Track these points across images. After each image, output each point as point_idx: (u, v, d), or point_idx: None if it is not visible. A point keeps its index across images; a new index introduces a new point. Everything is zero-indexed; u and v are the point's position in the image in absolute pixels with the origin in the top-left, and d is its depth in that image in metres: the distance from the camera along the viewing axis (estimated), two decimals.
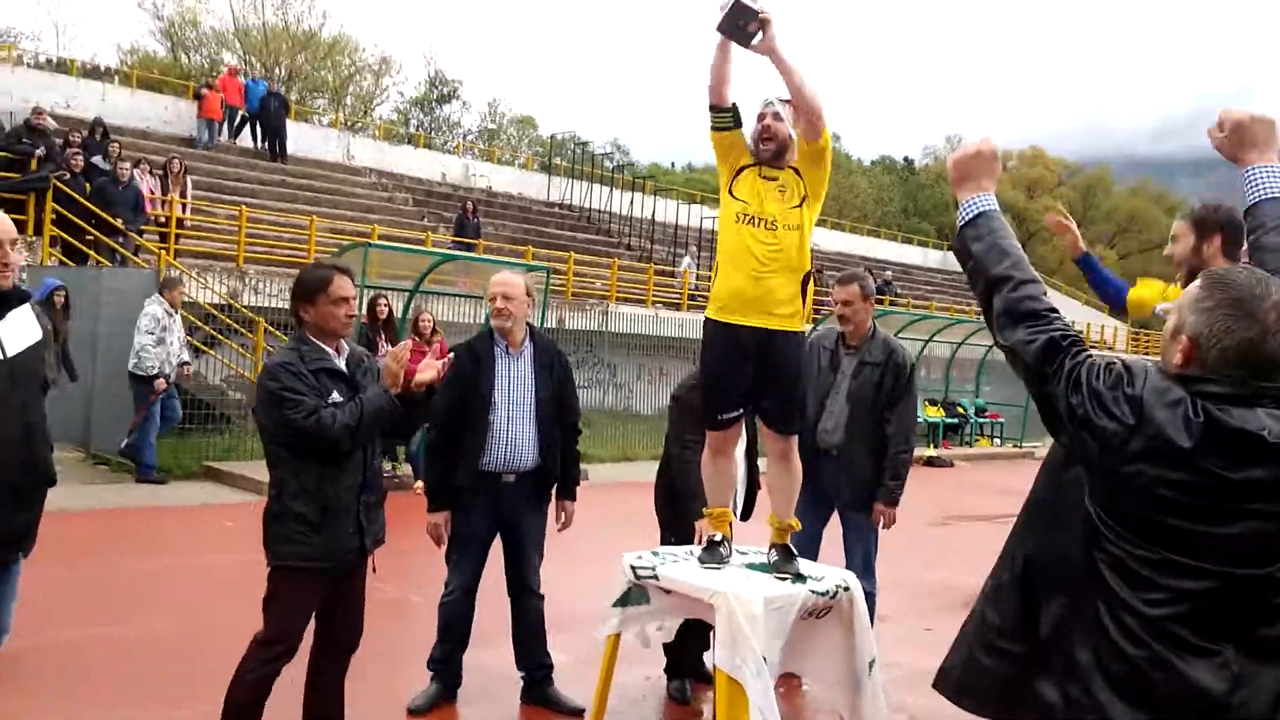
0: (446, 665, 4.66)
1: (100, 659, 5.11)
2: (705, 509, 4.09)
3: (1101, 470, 1.93)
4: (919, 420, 19.38)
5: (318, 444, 3.47)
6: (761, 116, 3.80)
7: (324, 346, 3.64)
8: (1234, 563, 1.86)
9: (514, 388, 4.47)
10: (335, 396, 3.55)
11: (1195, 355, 1.94)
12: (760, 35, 3.57)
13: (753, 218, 3.72)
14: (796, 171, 3.82)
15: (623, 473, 12.66)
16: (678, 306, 22.63)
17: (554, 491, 4.72)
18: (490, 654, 5.30)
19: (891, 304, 25.88)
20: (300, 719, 3.83)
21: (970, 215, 2.21)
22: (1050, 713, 2.03)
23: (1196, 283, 2.01)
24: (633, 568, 3.97)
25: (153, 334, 9.85)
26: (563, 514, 4.75)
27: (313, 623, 3.72)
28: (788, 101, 3.77)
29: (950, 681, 2.31)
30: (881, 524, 5.19)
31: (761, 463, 4.49)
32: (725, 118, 3.79)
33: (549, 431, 4.51)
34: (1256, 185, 2.32)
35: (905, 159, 64.32)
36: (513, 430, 4.45)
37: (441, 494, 4.53)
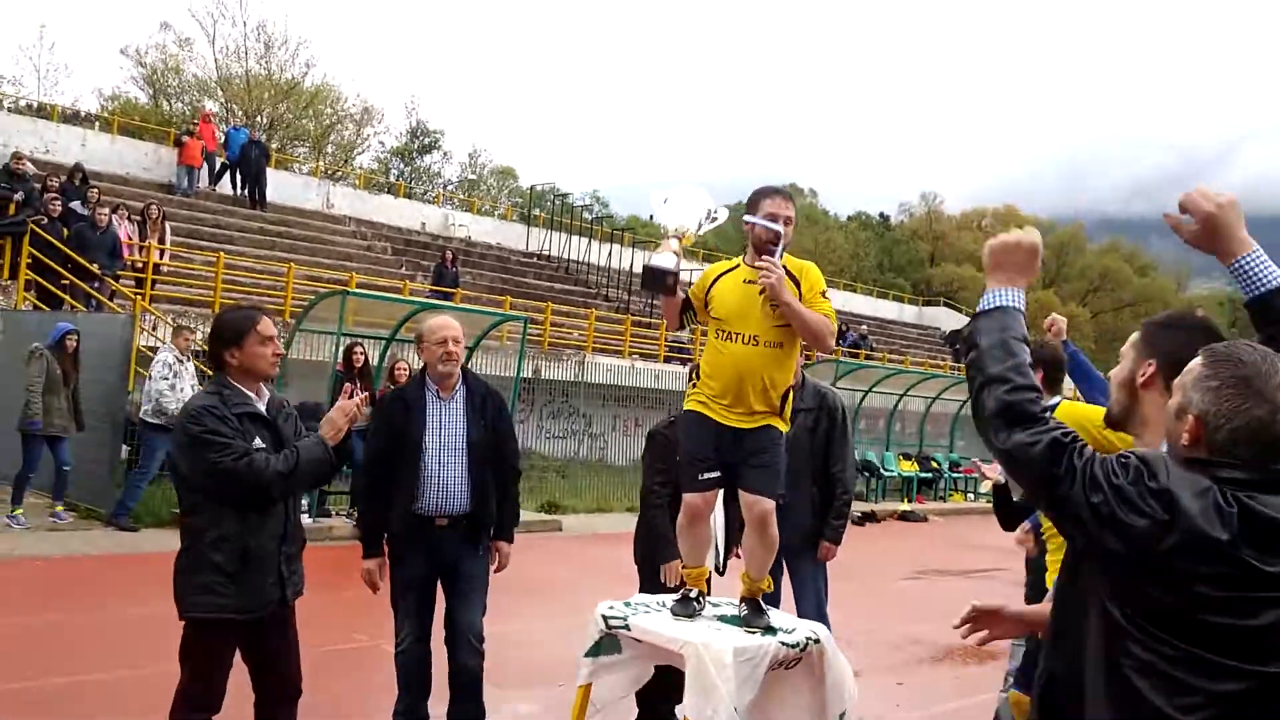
0: (408, 716, 4.58)
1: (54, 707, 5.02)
2: (684, 567, 4.10)
3: (1130, 568, 1.83)
4: (894, 474, 19.68)
5: (245, 488, 3.39)
6: (774, 217, 3.74)
7: (246, 391, 3.58)
8: (1265, 659, 1.77)
9: (445, 431, 4.40)
10: (257, 442, 3.49)
11: (1203, 434, 1.88)
12: (678, 281, 3.75)
13: (730, 333, 3.75)
14: (795, 280, 3.74)
15: (597, 524, 12.63)
16: (654, 358, 22.71)
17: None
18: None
19: (867, 358, 26.08)
20: None
21: (989, 306, 2.13)
22: None
23: (1199, 360, 1.94)
24: (604, 617, 3.97)
25: (166, 379, 9.92)
26: (497, 555, 4.64)
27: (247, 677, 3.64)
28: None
29: None
30: (820, 556, 5.33)
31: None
32: (691, 316, 3.97)
33: (480, 475, 4.43)
34: (1256, 278, 2.15)
35: (881, 215, 65.19)
36: (444, 474, 4.38)
37: (374, 540, 4.49)
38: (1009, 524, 4.31)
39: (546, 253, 29.66)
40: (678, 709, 4.66)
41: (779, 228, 3.72)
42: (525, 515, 12.32)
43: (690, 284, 4.02)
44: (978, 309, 2.15)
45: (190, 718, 3.48)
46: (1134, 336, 2.32)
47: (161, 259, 15.58)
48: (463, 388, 4.50)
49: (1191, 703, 1.78)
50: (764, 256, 3.69)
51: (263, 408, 3.62)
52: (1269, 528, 1.77)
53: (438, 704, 4.61)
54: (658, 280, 3.77)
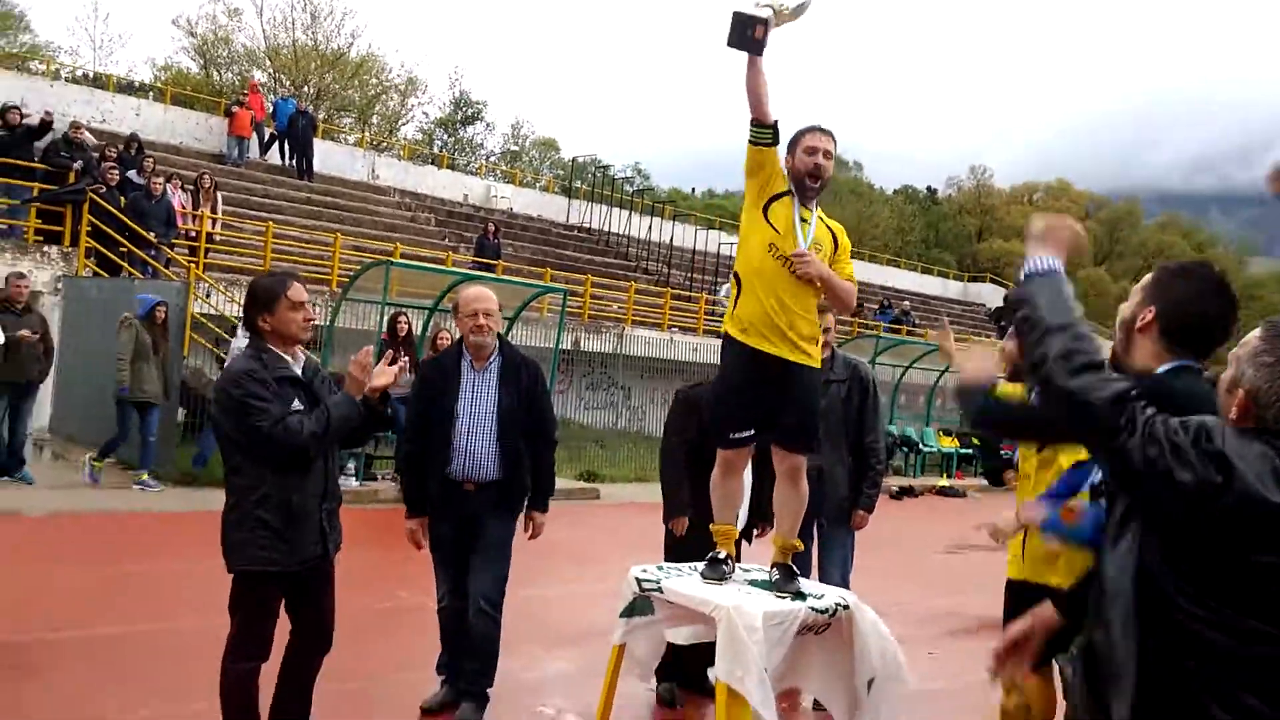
0: (449, 669, 4.78)
1: (118, 656, 5.28)
2: (712, 525, 4.22)
3: (1181, 528, 1.83)
4: (934, 450, 19.63)
5: (283, 451, 3.51)
6: (813, 150, 3.82)
7: (283, 354, 3.68)
8: None
9: (476, 401, 4.48)
10: (296, 404, 3.61)
11: (1253, 409, 1.89)
12: (766, 38, 3.59)
13: (784, 256, 3.78)
14: (834, 236, 3.93)
15: (635, 493, 12.79)
16: (694, 331, 22.78)
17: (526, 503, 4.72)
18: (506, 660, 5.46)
19: (909, 333, 25.94)
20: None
21: (1044, 268, 2.14)
22: None
23: (1257, 333, 1.95)
24: (638, 580, 4.11)
25: None
26: (530, 525, 4.75)
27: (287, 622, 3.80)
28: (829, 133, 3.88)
29: None
30: (854, 525, 5.47)
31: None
32: (766, 134, 3.78)
33: (511, 444, 4.49)
34: None
35: (929, 188, 64.37)
36: (473, 443, 4.45)
37: (416, 502, 4.65)
38: (994, 478, 4.37)
39: (587, 225, 29.76)
40: (709, 670, 4.83)
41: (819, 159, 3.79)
42: (564, 484, 12.55)
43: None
44: (1028, 270, 2.15)
45: (241, 666, 3.66)
46: (1146, 278, 2.37)
47: (214, 228, 15.92)
48: (498, 358, 4.56)
49: (1225, 669, 1.81)
50: (797, 255, 3.76)
51: (299, 371, 3.73)
52: None
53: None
54: (746, 31, 3.57)
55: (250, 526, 3.59)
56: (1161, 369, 2.22)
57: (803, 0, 3.73)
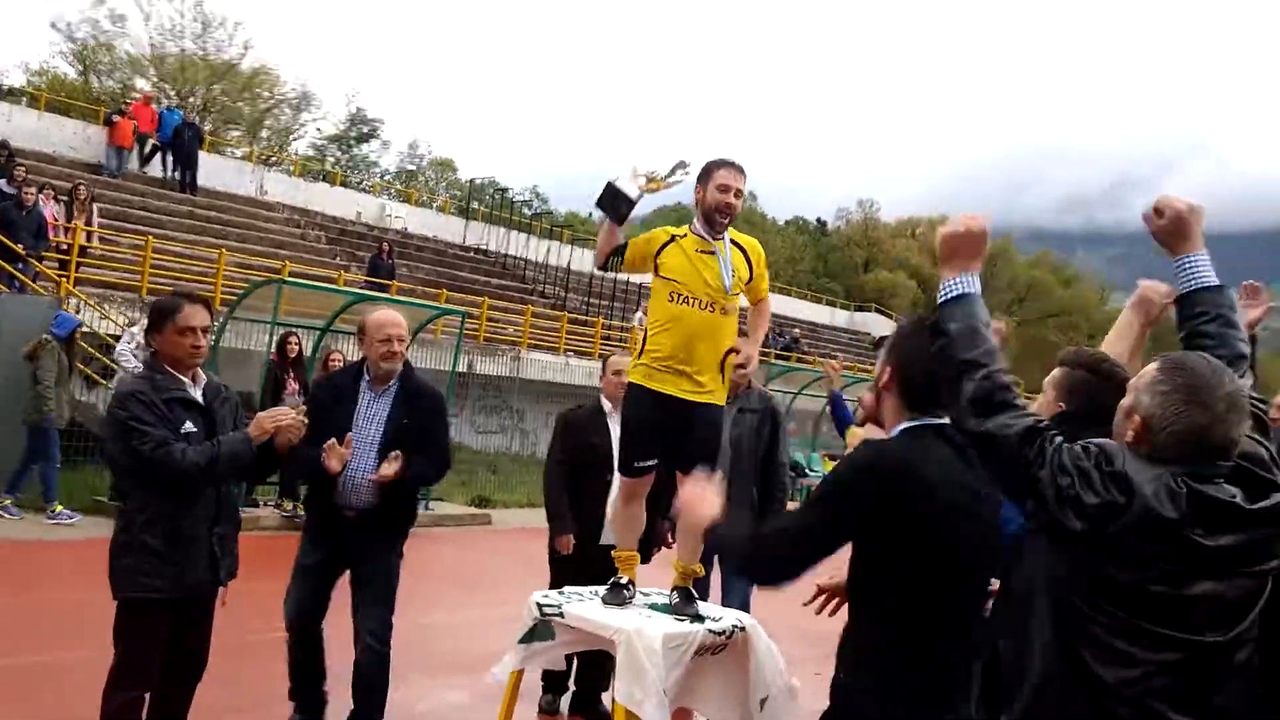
0: (302, 698, 4.60)
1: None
2: (614, 551, 4.23)
3: (1088, 546, 1.96)
4: (819, 475, 20.05)
5: (163, 476, 3.43)
6: (725, 189, 3.93)
7: (178, 376, 3.60)
8: (1201, 630, 1.95)
9: (368, 425, 4.34)
10: (188, 426, 3.53)
11: (1146, 435, 2.03)
12: (629, 214, 3.93)
13: (686, 297, 3.90)
14: (746, 256, 4.04)
15: (527, 518, 12.67)
16: (590, 355, 22.81)
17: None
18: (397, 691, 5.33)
19: (799, 360, 26.49)
20: None
21: (953, 294, 2.22)
22: None
23: (1155, 365, 2.09)
24: (539, 605, 4.08)
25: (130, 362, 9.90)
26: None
27: None
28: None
29: None
30: None
31: None
32: (618, 261, 4.08)
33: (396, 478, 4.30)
34: (1191, 274, 2.38)
35: (818, 220, 66.09)
36: (357, 467, 4.29)
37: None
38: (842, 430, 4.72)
39: (484, 247, 29.55)
40: (605, 695, 4.82)
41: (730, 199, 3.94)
42: (455, 509, 12.38)
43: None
44: (941, 298, 2.23)
45: (122, 695, 3.51)
46: (887, 341, 2.56)
47: (88, 241, 15.23)
48: (398, 383, 4.43)
49: (1134, 675, 1.94)
50: (733, 353, 3.97)
51: (197, 394, 3.65)
52: (1214, 507, 1.94)
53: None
54: (615, 201, 3.89)
55: (135, 552, 3.48)
56: (900, 428, 2.39)
57: (676, 177, 3.98)
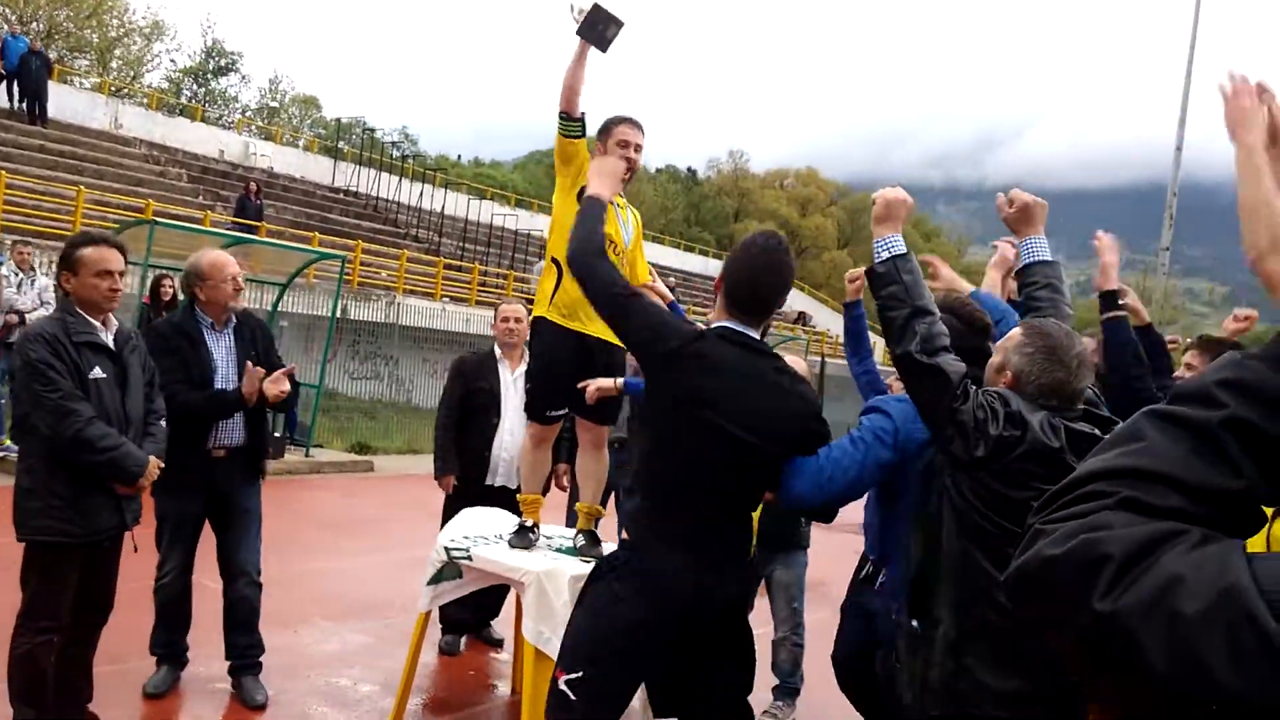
0: (168, 649, 4.61)
1: None
2: (519, 495, 4.40)
3: (988, 470, 2.39)
4: None
5: (56, 429, 3.41)
6: (625, 144, 3.90)
7: (90, 319, 3.59)
8: None
9: (223, 364, 4.42)
10: (97, 371, 3.53)
11: (1016, 387, 2.50)
12: (614, 41, 3.68)
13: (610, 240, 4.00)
14: (636, 216, 4.15)
15: (409, 465, 12.70)
16: (466, 301, 22.67)
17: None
18: (297, 635, 5.43)
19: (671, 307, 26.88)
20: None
21: (899, 251, 2.65)
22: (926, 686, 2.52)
23: (1019, 329, 2.60)
24: (446, 548, 4.24)
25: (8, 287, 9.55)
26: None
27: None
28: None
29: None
30: None
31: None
32: (576, 126, 3.88)
33: (256, 407, 4.45)
34: (1030, 251, 2.98)
35: (689, 169, 66.58)
36: None
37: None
38: None
39: (354, 189, 28.82)
40: (493, 623, 5.07)
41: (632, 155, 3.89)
42: (335, 456, 12.30)
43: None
44: (891, 252, 2.66)
45: (34, 638, 3.52)
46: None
47: None
48: (232, 319, 4.50)
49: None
50: (591, 385, 3.85)
51: (109, 338, 3.63)
52: (1081, 439, 2.40)
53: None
54: (599, 26, 3.60)
55: (42, 495, 3.47)
56: (715, 325, 2.83)
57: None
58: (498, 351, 5.61)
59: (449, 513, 5.31)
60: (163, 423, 3.88)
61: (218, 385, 4.38)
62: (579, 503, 4.40)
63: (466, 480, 5.44)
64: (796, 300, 42.47)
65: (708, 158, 71.98)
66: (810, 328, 35.97)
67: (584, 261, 2.84)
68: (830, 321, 40.10)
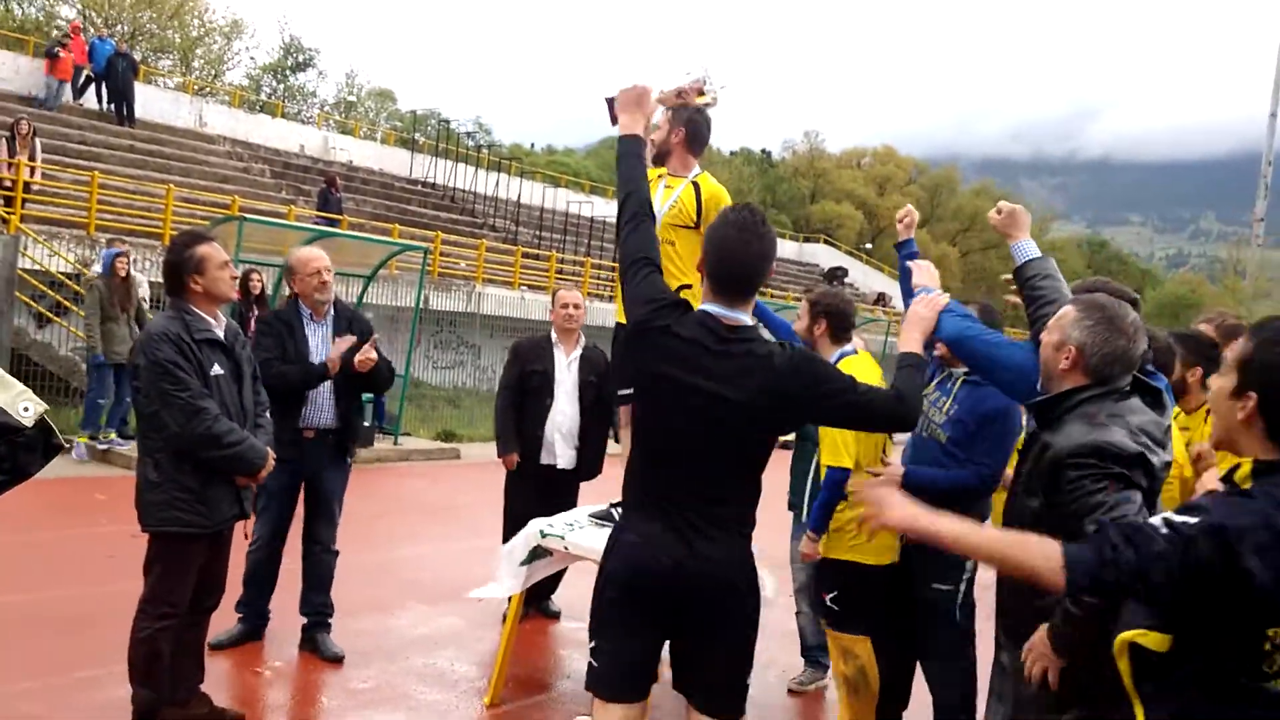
0: (250, 608, 4.91)
1: None
2: None
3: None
4: None
5: (185, 427, 3.53)
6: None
7: (206, 316, 3.70)
8: None
9: (319, 353, 4.73)
10: (216, 369, 3.65)
11: (1081, 361, 2.57)
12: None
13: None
14: (697, 198, 3.90)
15: (493, 451, 12.80)
16: (544, 289, 22.80)
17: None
18: (393, 619, 5.52)
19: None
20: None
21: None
22: None
23: (1071, 306, 2.66)
24: (542, 533, 4.26)
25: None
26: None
27: None
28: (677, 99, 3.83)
29: None
30: None
31: None
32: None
33: (347, 393, 4.82)
34: (1022, 253, 3.23)
35: (764, 151, 66.01)
36: (315, 391, 4.73)
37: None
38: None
39: (431, 180, 29.14)
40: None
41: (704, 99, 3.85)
42: (423, 444, 12.48)
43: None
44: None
45: (156, 625, 3.62)
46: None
47: (33, 177, 14.78)
48: (332, 312, 4.85)
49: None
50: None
51: (221, 334, 3.73)
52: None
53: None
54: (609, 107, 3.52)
55: (167, 488, 3.58)
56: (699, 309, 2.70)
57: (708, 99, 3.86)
58: (554, 336, 5.80)
59: (510, 491, 5.84)
60: (269, 414, 4.02)
61: None
62: None
63: (522, 458, 5.71)
64: (876, 281, 41.85)
65: (783, 139, 71.35)
66: (890, 309, 35.38)
67: (631, 212, 2.81)
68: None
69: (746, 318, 2.63)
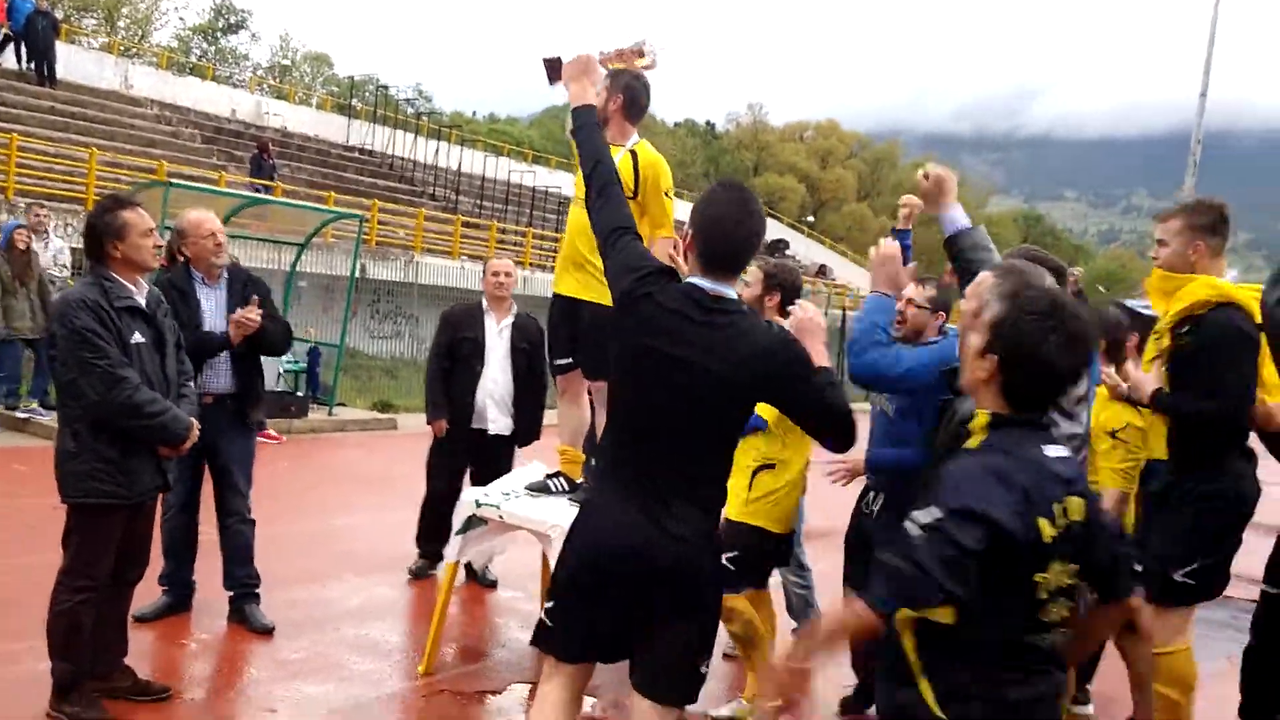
0: (173, 580, 4.80)
1: None
2: (556, 446, 4.38)
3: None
4: None
5: (104, 396, 3.43)
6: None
7: (126, 284, 3.59)
8: None
9: (212, 316, 4.59)
10: (137, 336, 3.55)
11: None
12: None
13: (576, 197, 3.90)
14: (635, 168, 3.84)
15: None
16: (484, 259, 22.57)
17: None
18: (326, 589, 5.45)
19: None
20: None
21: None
22: None
23: (988, 272, 2.52)
24: (477, 503, 4.23)
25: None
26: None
27: None
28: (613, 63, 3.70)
29: None
30: None
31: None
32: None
33: (244, 356, 4.67)
34: (954, 223, 3.18)
35: (708, 123, 65.97)
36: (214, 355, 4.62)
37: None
38: None
39: (369, 147, 28.64)
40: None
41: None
42: (359, 414, 12.31)
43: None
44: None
45: (75, 598, 3.53)
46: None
47: None
48: (226, 275, 4.68)
49: None
50: None
51: (142, 301, 3.62)
52: None
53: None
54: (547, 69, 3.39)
55: (87, 458, 3.48)
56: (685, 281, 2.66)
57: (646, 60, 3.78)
58: (485, 304, 5.83)
59: (435, 455, 5.89)
60: (192, 384, 3.91)
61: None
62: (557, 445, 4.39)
63: (454, 424, 5.72)
64: (817, 253, 42.19)
65: (727, 111, 71.23)
66: (830, 280, 35.71)
67: (601, 183, 2.78)
68: (850, 275, 39.80)
69: (732, 291, 2.58)
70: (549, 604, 2.65)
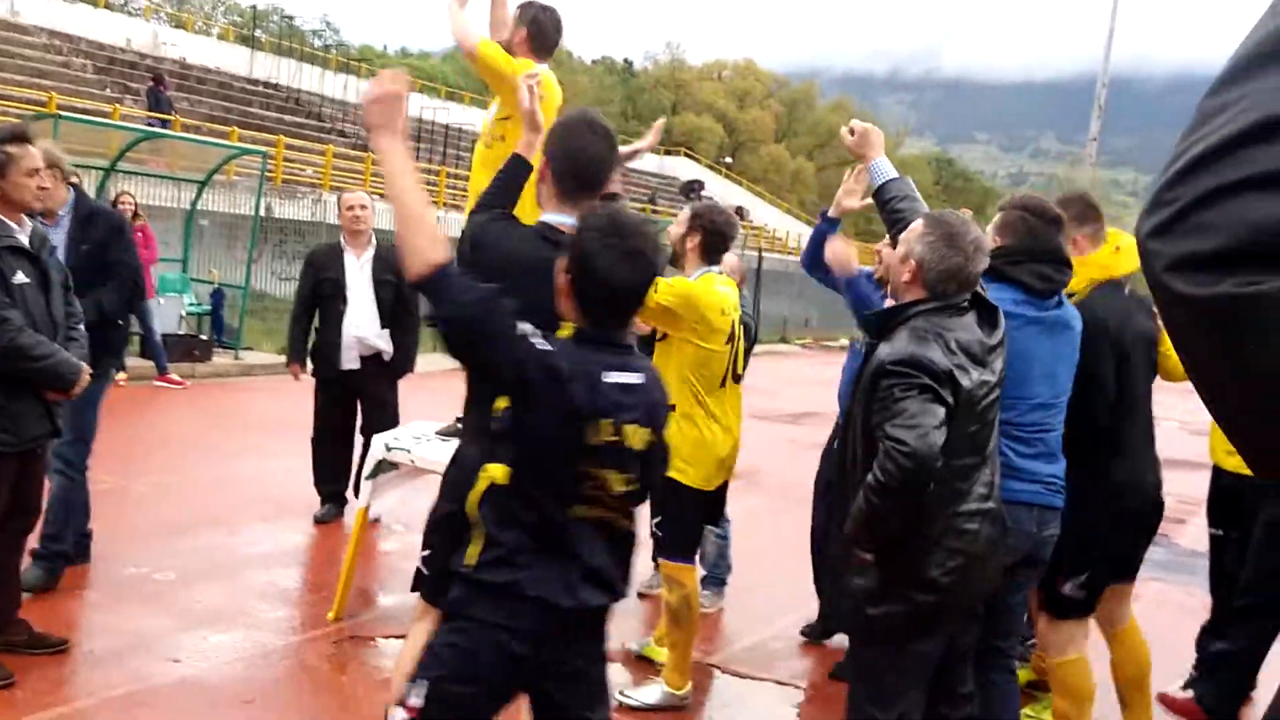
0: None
1: None
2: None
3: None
4: None
5: None
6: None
7: (9, 222, 3.44)
8: None
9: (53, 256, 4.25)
10: (20, 277, 3.41)
11: (920, 274, 2.62)
12: None
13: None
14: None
15: None
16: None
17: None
18: (233, 536, 5.35)
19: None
20: None
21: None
22: None
23: (919, 220, 2.70)
24: (388, 447, 4.19)
25: None
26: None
27: None
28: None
29: None
30: None
31: None
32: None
33: (89, 294, 4.17)
34: (880, 173, 3.21)
35: (626, 61, 65.18)
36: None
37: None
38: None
39: (274, 81, 27.64)
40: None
41: None
42: (266, 359, 12.03)
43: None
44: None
45: None
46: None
47: None
48: (69, 211, 4.32)
49: None
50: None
51: (25, 240, 3.48)
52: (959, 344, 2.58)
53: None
54: None
55: None
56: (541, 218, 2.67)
57: None
58: (343, 240, 5.75)
59: (317, 397, 5.90)
60: (82, 326, 3.74)
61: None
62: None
63: (325, 365, 5.71)
64: (735, 194, 42.28)
65: (644, 49, 70.46)
66: (748, 222, 35.86)
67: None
68: (767, 216, 40.06)
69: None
70: (426, 552, 2.72)
